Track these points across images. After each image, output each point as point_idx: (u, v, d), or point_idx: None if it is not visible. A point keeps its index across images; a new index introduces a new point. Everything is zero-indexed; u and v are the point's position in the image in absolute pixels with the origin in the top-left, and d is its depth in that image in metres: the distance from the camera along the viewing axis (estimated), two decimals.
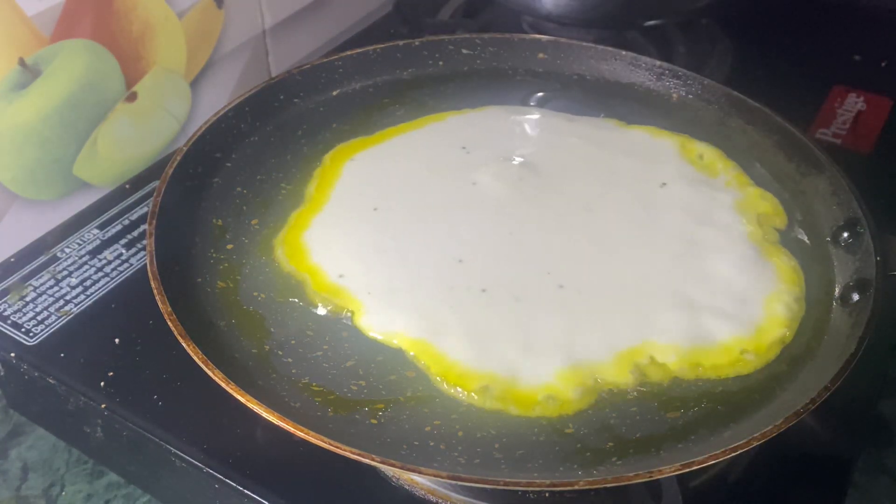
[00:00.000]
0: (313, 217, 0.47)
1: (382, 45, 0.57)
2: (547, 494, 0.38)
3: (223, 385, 0.35)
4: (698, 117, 0.55)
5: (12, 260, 0.49)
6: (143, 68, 0.58)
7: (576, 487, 0.33)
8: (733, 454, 0.33)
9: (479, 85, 0.58)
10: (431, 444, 0.36)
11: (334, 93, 0.56)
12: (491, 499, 0.38)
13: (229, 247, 0.45)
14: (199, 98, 0.63)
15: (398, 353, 0.40)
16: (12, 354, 0.44)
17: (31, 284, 0.48)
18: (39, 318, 0.46)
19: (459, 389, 0.38)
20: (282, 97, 0.54)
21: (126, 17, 0.56)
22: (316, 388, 0.38)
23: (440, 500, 0.38)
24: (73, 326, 0.46)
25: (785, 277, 0.44)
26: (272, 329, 0.41)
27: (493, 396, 0.38)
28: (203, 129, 0.49)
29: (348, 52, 0.56)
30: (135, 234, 0.51)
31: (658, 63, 0.57)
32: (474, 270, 0.43)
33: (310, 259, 0.44)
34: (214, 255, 0.45)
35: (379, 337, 0.41)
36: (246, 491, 0.38)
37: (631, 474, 0.33)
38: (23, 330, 0.45)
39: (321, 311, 0.42)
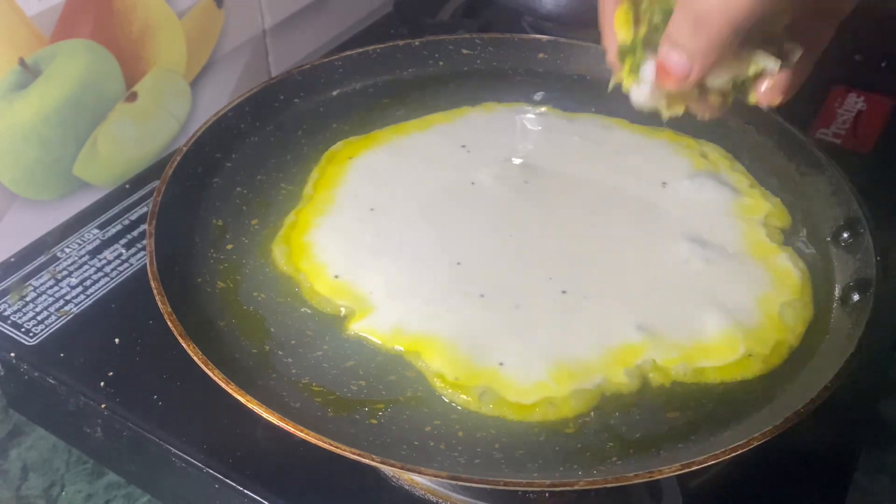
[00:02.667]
0: (313, 217, 0.47)
1: (382, 45, 0.57)
2: (547, 494, 0.38)
3: (223, 385, 0.35)
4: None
5: (12, 260, 0.49)
6: (143, 68, 0.58)
7: (576, 487, 0.33)
8: (733, 454, 0.33)
9: (479, 84, 0.58)
10: (431, 444, 0.36)
11: (334, 93, 0.56)
12: (491, 499, 0.38)
13: (229, 247, 0.45)
14: (199, 98, 0.63)
15: (397, 354, 0.40)
16: (12, 354, 0.44)
17: (31, 284, 0.48)
18: (39, 318, 0.46)
19: (456, 393, 0.38)
20: (282, 97, 0.54)
21: (126, 17, 0.56)
22: (316, 388, 0.38)
23: (440, 500, 0.38)
24: (73, 326, 0.46)
25: (790, 280, 0.44)
26: (272, 329, 0.41)
27: (489, 401, 0.38)
28: (203, 129, 0.49)
29: (348, 52, 0.56)
30: (135, 234, 0.51)
31: None
32: (473, 274, 0.43)
33: (310, 259, 0.44)
34: (214, 255, 0.45)
35: (378, 337, 0.41)
36: (246, 491, 0.38)
37: (631, 474, 0.33)
38: (23, 330, 0.45)
39: (321, 311, 0.42)
